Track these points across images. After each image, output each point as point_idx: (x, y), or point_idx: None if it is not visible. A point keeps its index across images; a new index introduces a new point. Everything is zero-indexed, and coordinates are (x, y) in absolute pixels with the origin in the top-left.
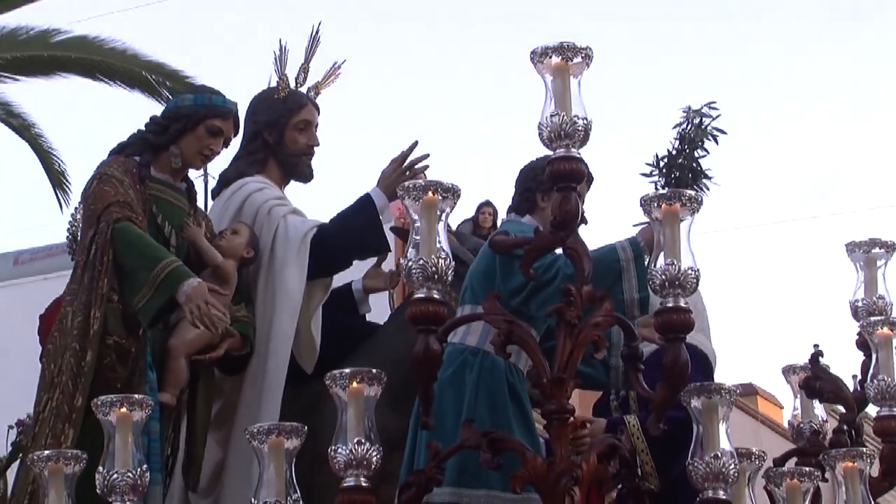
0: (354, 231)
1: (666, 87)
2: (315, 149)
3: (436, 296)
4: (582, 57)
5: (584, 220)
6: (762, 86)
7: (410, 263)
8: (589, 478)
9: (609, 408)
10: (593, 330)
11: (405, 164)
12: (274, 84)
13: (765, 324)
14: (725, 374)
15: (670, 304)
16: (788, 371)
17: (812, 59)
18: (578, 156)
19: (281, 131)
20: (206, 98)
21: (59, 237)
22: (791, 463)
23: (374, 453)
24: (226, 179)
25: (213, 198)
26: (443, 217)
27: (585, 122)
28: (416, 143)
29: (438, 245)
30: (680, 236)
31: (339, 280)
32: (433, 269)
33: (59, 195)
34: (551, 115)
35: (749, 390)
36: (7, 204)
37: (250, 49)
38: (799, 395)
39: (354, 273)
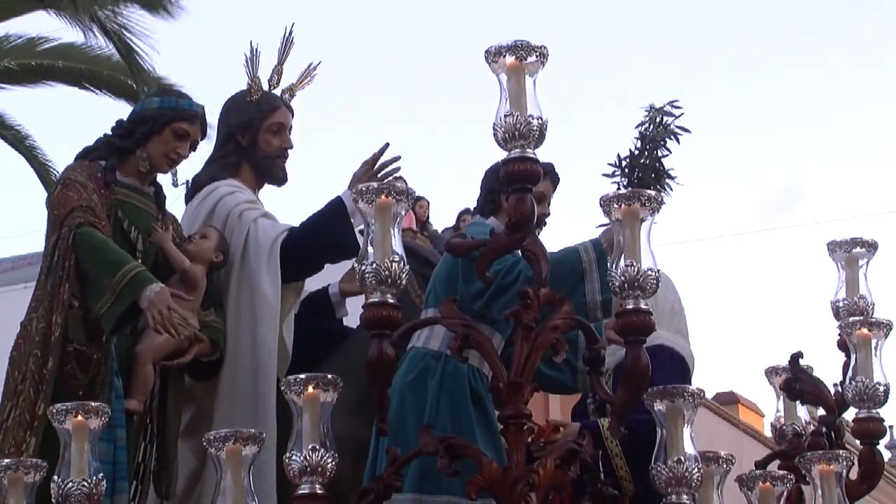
0: (325, 234)
1: (631, 88)
2: (289, 151)
3: (390, 300)
4: (536, 56)
5: (542, 223)
6: (724, 100)
7: (364, 267)
8: (546, 483)
9: (587, 411)
10: (551, 333)
11: (376, 166)
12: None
13: (746, 332)
14: (707, 382)
15: (630, 306)
16: (771, 373)
17: (769, 72)
18: (533, 156)
19: (254, 134)
20: (173, 101)
21: (41, 245)
22: (773, 466)
23: (330, 460)
24: (198, 183)
25: (186, 202)
26: (397, 220)
27: (540, 122)
28: (387, 146)
29: (392, 248)
30: (640, 237)
31: (317, 283)
32: (387, 272)
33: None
34: (505, 116)
35: (730, 399)
36: None
37: (230, 53)
38: (781, 397)
39: (331, 276)
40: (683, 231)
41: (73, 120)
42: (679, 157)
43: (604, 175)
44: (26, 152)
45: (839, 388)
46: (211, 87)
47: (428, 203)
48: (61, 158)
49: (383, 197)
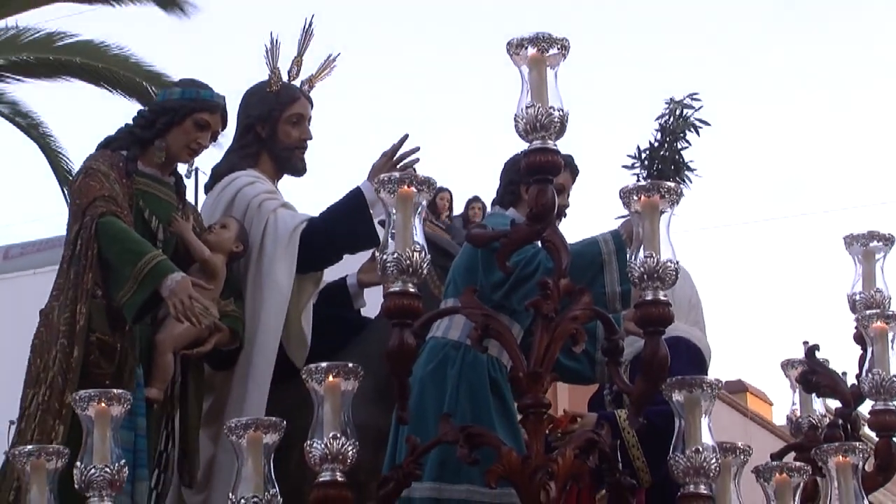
0: (344, 225)
1: (651, 80)
2: (308, 142)
3: (411, 289)
4: (558, 48)
5: (562, 214)
6: (730, 88)
7: (385, 257)
8: (565, 473)
9: (604, 402)
10: (571, 323)
11: (395, 157)
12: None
13: (754, 320)
14: (715, 370)
15: (649, 297)
16: (787, 365)
17: (773, 62)
18: (554, 147)
19: (273, 125)
20: (194, 91)
21: (49, 231)
22: (789, 458)
23: (350, 448)
24: (218, 174)
25: (206, 192)
26: (419, 210)
27: (562, 113)
28: (406, 137)
29: (414, 238)
30: (659, 228)
31: (336, 274)
32: (408, 262)
33: (66, 194)
34: (527, 107)
35: (739, 387)
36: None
37: (251, 44)
38: (797, 390)
39: (350, 267)
40: (690, 220)
41: (88, 116)
42: (692, 146)
43: (623, 167)
44: (39, 139)
45: (856, 381)
46: (231, 78)
47: (451, 195)
48: (75, 152)
49: (405, 187)
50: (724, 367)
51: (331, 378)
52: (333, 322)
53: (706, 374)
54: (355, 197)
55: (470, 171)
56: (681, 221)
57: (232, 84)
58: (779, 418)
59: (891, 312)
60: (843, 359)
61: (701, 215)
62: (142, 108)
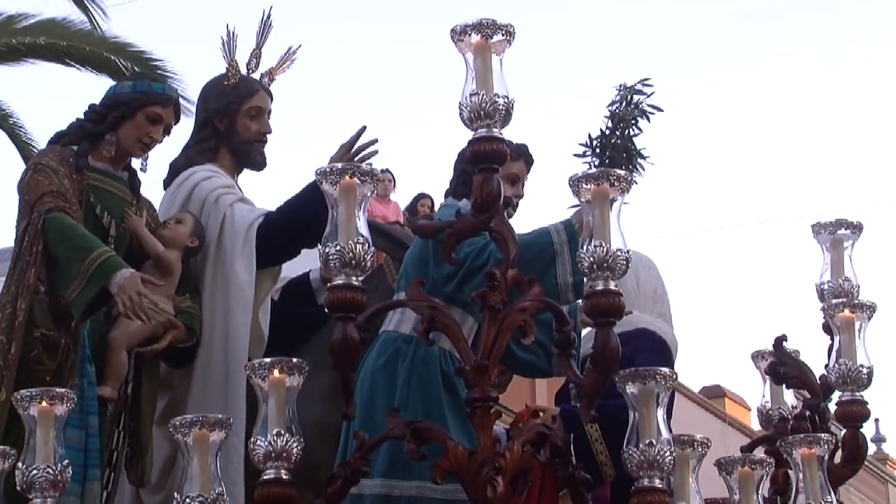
0: (301, 218)
1: (606, 68)
2: (267, 136)
3: (354, 282)
4: (503, 34)
5: (514, 204)
6: (707, 87)
7: (328, 250)
8: (513, 467)
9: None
10: (519, 315)
11: (353, 149)
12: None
13: (733, 325)
14: (693, 375)
15: (599, 287)
16: (757, 357)
17: (748, 67)
18: (500, 136)
19: (232, 118)
20: (146, 84)
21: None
22: (759, 451)
23: (295, 445)
24: (176, 168)
25: (164, 188)
26: (362, 201)
27: (507, 101)
28: (364, 129)
29: (357, 230)
30: (610, 217)
31: (298, 269)
32: (350, 255)
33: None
34: (471, 95)
35: (717, 392)
36: None
37: (209, 36)
38: (767, 382)
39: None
40: (666, 225)
41: (56, 97)
42: (660, 147)
43: (575, 155)
44: (10, 130)
45: (825, 372)
46: (190, 70)
47: (432, 201)
48: (45, 137)
49: (348, 178)
50: (702, 372)
51: (275, 374)
52: (294, 318)
53: (672, 366)
54: (313, 190)
55: (438, 163)
56: (656, 227)
57: (194, 66)
58: (758, 423)
59: (857, 301)
60: (821, 353)
61: (677, 221)
62: (113, 83)
